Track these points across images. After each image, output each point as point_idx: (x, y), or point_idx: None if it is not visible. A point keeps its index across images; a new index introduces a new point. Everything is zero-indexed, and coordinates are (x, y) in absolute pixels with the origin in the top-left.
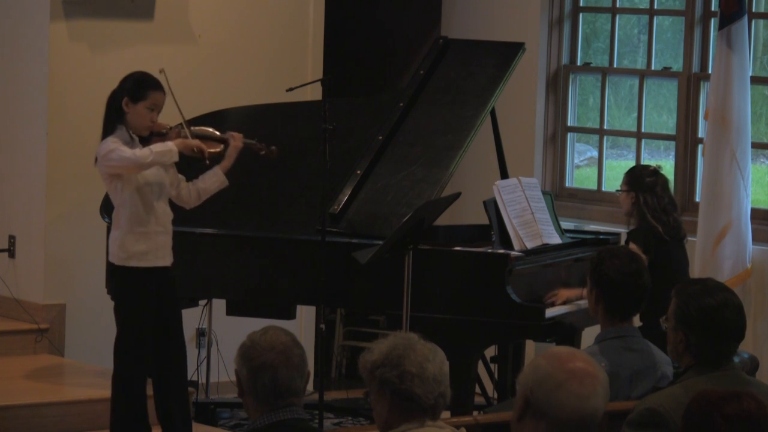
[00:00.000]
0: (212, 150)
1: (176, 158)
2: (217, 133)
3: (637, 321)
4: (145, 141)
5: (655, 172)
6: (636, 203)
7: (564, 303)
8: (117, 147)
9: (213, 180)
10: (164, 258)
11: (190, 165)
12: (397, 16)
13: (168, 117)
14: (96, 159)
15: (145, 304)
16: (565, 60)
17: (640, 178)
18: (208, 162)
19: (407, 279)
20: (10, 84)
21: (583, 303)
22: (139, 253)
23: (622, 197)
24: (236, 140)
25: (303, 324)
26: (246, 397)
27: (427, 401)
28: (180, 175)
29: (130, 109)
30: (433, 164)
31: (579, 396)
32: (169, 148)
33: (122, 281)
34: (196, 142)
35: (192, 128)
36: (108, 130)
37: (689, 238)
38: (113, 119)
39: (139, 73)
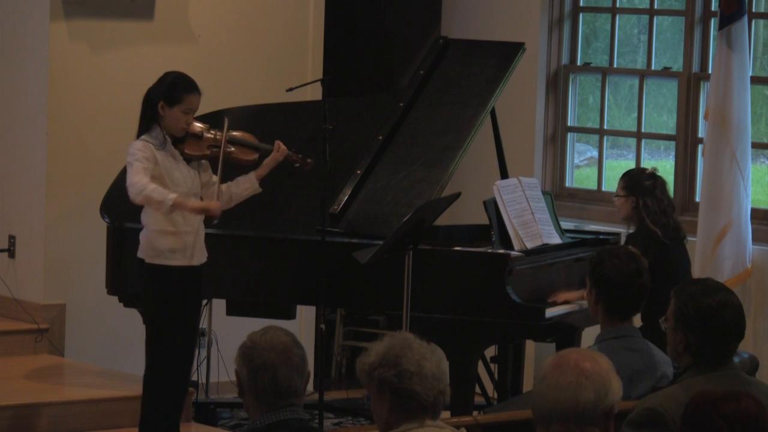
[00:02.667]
0: (243, 157)
1: (167, 211)
2: (256, 141)
3: (637, 322)
4: (179, 141)
5: (653, 175)
6: (636, 208)
7: (564, 303)
8: (135, 162)
9: (246, 186)
10: (192, 258)
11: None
12: (397, 16)
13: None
14: None
15: (173, 302)
16: (565, 60)
17: (638, 182)
18: (232, 162)
19: (407, 279)
20: (10, 84)
21: (584, 303)
22: (167, 252)
23: (620, 202)
24: (279, 153)
25: (303, 324)
26: (246, 397)
27: (426, 399)
28: (214, 177)
29: (165, 113)
30: (433, 164)
31: (558, 387)
32: (163, 200)
33: (151, 279)
34: (212, 209)
35: (232, 133)
36: (143, 129)
37: (690, 239)
38: (149, 119)
39: (177, 75)
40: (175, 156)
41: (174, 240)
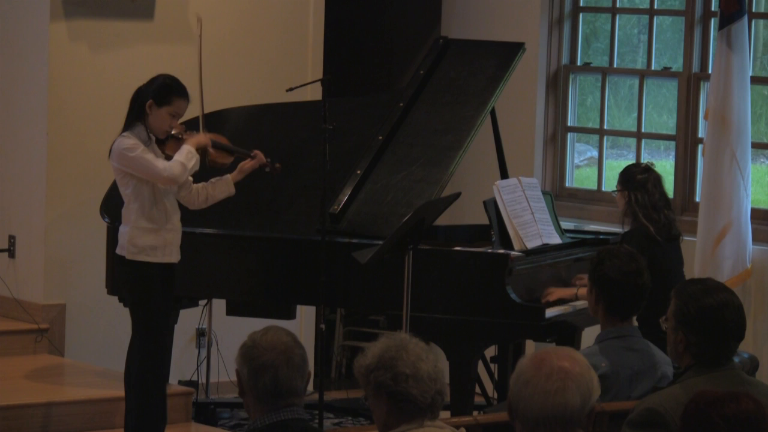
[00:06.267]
0: (219, 160)
1: (197, 162)
2: (229, 143)
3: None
4: (160, 143)
5: (647, 169)
6: (629, 202)
7: (557, 301)
8: (142, 155)
9: (223, 189)
10: (172, 255)
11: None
12: (397, 16)
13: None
14: (110, 152)
15: (156, 299)
16: (565, 60)
17: (631, 176)
18: (207, 164)
19: (407, 279)
20: (10, 84)
21: (578, 304)
22: (149, 248)
23: (618, 197)
24: (256, 161)
25: (303, 324)
26: (247, 396)
27: (423, 400)
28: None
29: (152, 112)
30: (433, 164)
31: (545, 391)
32: (192, 155)
33: (132, 275)
34: (205, 140)
35: (209, 135)
36: (127, 126)
37: (689, 238)
38: (134, 116)
39: (169, 77)
40: (156, 154)
41: (155, 237)
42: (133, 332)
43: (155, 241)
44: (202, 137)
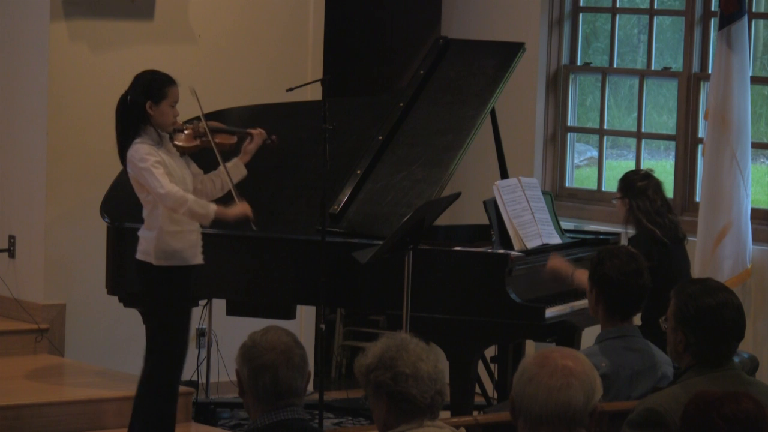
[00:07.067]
0: (225, 142)
1: (208, 223)
2: (226, 126)
3: (636, 322)
4: (169, 137)
5: (647, 176)
6: (630, 209)
7: (556, 298)
8: (151, 168)
9: (236, 173)
10: (197, 256)
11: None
12: (397, 16)
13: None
14: (126, 161)
15: (186, 302)
16: (565, 60)
17: (631, 183)
18: (216, 150)
19: (407, 279)
20: (10, 84)
21: (578, 304)
22: (177, 252)
23: (618, 205)
24: (258, 138)
25: (303, 324)
26: (247, 396)
27: (423, 400)
28: (198, 169)
29: (154, 111)
30: (433, 164)
31: (549, 388)
32: (207, 213)
33: (162, 282)
34: (241, 210)
35: (208, 123)
36: (131, 134)
37: (690, 238)
38: (136, 122)
39: (152, 74)
40: (171, 152)
41: (181, 240)
42: (157, 338)
43: (182, 244)
44: (237, 210)
